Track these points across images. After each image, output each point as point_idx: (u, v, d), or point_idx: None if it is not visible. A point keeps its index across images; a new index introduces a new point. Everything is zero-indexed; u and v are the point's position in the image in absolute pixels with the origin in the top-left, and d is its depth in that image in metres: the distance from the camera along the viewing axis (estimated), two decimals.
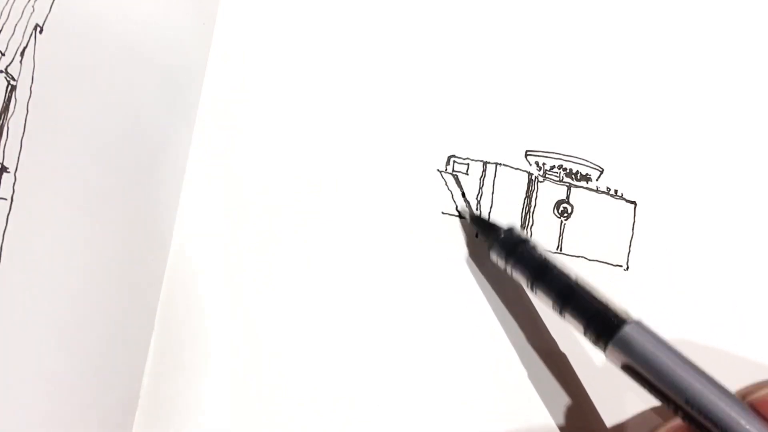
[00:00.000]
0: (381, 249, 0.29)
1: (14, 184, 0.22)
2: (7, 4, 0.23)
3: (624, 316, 0.24)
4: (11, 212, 0.21)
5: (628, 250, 0.31)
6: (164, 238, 0.27)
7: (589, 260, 0.30)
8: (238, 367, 0.27)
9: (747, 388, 0.23)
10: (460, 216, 0.29)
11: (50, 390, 0.23)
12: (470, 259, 0.29)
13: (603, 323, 0.25)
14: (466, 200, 0.30)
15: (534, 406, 0.28)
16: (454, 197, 0.30)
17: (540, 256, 0.27)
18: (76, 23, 0.24)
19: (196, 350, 0.27)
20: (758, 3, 0.34)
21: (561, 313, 0.26)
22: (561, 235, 0.30)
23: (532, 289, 0.27)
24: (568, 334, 0.26)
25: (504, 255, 0.27)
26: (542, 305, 0.28)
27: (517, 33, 0.32)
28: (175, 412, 0.26)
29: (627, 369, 0.24)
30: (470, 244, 0.29)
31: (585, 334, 0.25)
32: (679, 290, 0.31)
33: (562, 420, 0.28)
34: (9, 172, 0.22)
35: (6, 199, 0.21)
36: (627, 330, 0.24)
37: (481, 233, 0.29)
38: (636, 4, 0.33)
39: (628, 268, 0.31)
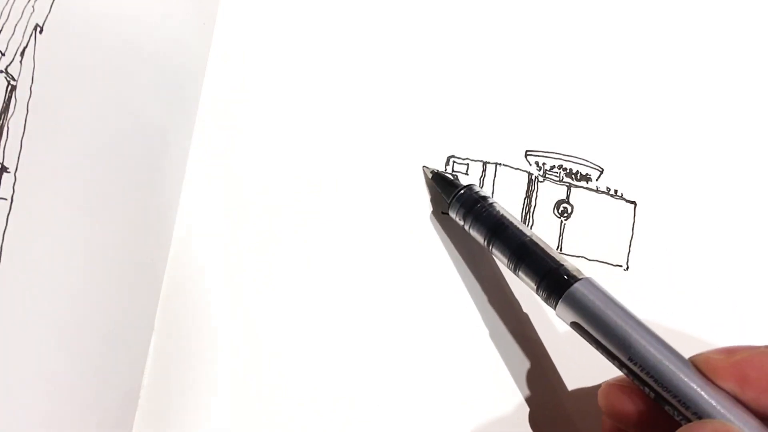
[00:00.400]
0: (381, 249, 0.29)
1: (14, 184, 0.22)
2: (7, 4, 0.23)
3: (575, 273, 0.25)
4: (11, 212, 0.21)
5: (628, 250, 0.31)
6: (164, 238, 0.27)
7: (589, 260, 0.30)
8: (238, 366, 0.27)
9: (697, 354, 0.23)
10: (425, 173, 0.29)
11: (50, 390, 0.23)
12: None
13: (554, 281, 0.25)
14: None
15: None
16: None
17: (497, 213, 0.27)
18: (76, 23, 0.24)
19: (196, 350, 0.27)
20: (758, 3, 0.34)
21: (515, 271, 0.26)
22: (561, 235, 0.30)
23: (488, 246, 0.27)
24: (531, 294, 0.27)
25: (462, 212, 0.27)
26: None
27: (517, 33, 0.32)
28: (175, 412, 0.26)
29: (575, 326, 0.24)
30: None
31: (537, 291, 0.25)
32: (679, 290, 0.31)
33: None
34: (9, 172, 0.22)
35: (6, 199, 0.21)
36: (576, 287, 0.24)
37: (441, 190, 0.29)
38: (636, 5, 0.33)
39: (628, 268, 0.31)
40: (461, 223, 0.28)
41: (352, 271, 0.28)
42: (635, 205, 0.31)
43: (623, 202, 0.31)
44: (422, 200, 0.29)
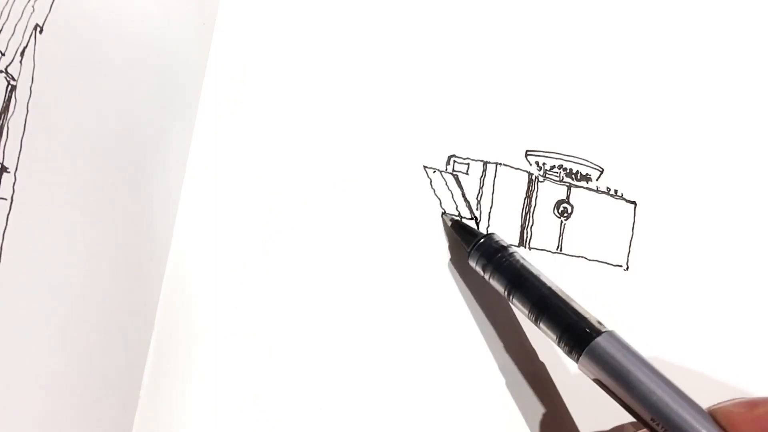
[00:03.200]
0: (381, 249, 0.29)
1: (14, 184, 0.22)
2: (7, 4, 0.23)
3: (597, 328, 0.25)
4: (11, 212, 0.21)
5: (628, 250, 0.31)
6: (164, 238, 0.27)
7: (589, 260, 0.30)
8: (238, 366, 0.27)
9: (715, 404, 0.23)
10: (443, 220, 0.29)
11: (50, 390, 0.23)
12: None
13: (576, 335, 0.25)
14: (464, 200, 0.30)
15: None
16: (454, 197, 0.30)
17: (518, 263, 0.27)
18: (76, 23, 0.24)
19: (196, 350, 0.27)
20: (758, 3, 0.34)
21: (536, 323, 0.26)
22: (561, 235, 0.30)
23: (508, 297, 0.27)
24: (548, 343, 0.26)
25: (482, 263, 0.27)
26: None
27: (518, 33, 0.32)
28: (175, 412, 0.26)
29: (598, 382, 0.24)
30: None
31: (558, 344, 0.25)
32: (679, 290, 0.31)
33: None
34: (9, 172, 0.22)
35: (6, 199, 0.21)
36: (597, 342, 0.24)
37: (461, 240, 0.28)
38: (636, 5, 0.33)
39: (628, 268, 0.31)
40: (481, 273, 0.27)
41: (352, 271, 0.28)
42: (635, 205, 0.31)
43: (623, 202, 0.31)
44: (423, 200, 0.29)
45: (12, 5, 0.23)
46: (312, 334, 0.27)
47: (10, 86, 0.22)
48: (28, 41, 0.23)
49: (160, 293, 0.27)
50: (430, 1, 0.31)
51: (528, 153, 0.31)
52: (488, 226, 0.30)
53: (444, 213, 0.29)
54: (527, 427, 0.28)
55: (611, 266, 0.30)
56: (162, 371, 0.26)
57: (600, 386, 0.24)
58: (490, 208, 0.30)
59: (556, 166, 0.31)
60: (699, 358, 0.30)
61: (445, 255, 0.29)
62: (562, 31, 0.32)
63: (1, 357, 0.21)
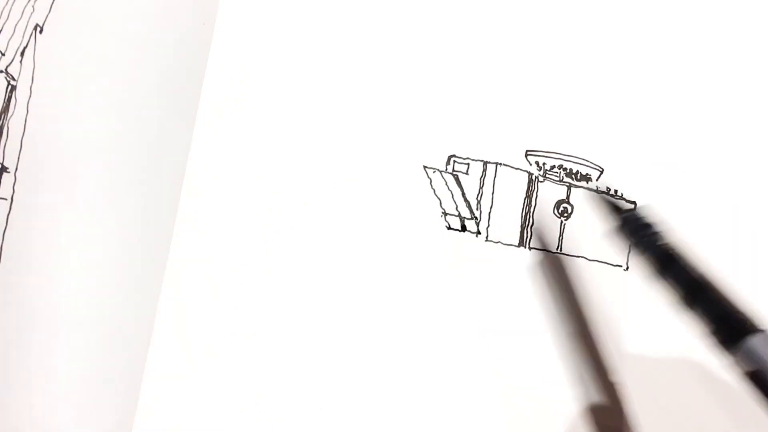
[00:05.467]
0: (381, 249, 0.29)
1: (14, 184, 0.22)
2: (7, 4, 0.23)
3: (754, 321, 0.23)
4: (11, 212, 0.21)
5: (628, 250, 0.31)
6: (164, 238, 0.27)
7: (589, 260, 0.30)
8: (237, 366, 0.27)
9: None
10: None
11: (50, 390, 0.23)
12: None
13: (733, 327, 0.23)
14: (465, 201, 0.30)
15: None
16: (454, 197, 0.30)
17: (666, 243, 0.24)
18: (76, 23, 0.24)
19: (196, 350, 0.27)
20: (758, 3, 0.34)
21: (689, 308, 0.24)
22: (561, 235, 0.30)
23: (659, 277, 0.24)
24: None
25: (629, 239, 0.25)
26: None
27: (517, 33, 0.32)
28: (175, 412, 0.26)
29: (753, 376, 0.22)
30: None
31: (712, 335, 0.23)
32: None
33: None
34: (9, 172, 0.22)
35: (6, 199, 0.21)
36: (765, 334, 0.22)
37: (607, 212, 0.26)
38: (636, 5, 0.33)
39: (628, 268, 0.31)
40: (627, 247, 0.26)
41: (353, 271, 0.28)
42: (635, 205, 0.31)
43: (623, 202, 0.31)
44: (423, 200, 0.29)
45: (12, 5, 0.23)
46: (312, 334, 0.27)
47: (10, 86, 0.22)
48: (28, 41, 0.23)
49: (160, 293, 0.27)
50: (430, 2, 0.31)
51: (528, 153, 0.31)
52: (488, 226, 0.30)
53: (597, 188, 0.28)
54: (527, 427, 0.28)
55: (611, 266, 0.30)
56: (162, 371, 0.26)
57: (754, 381, 0.22)
58: (490, 208, 0.30)
59: (556, 166, 0.31)
60: (699, 358, 0.30)
61: (445, 255, 0.29)
62: (562, 31, 0.32)
63: (1, 357, 0.21)
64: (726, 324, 0.23)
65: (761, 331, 0.22)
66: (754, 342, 0.22)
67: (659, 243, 0.24)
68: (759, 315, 0.23)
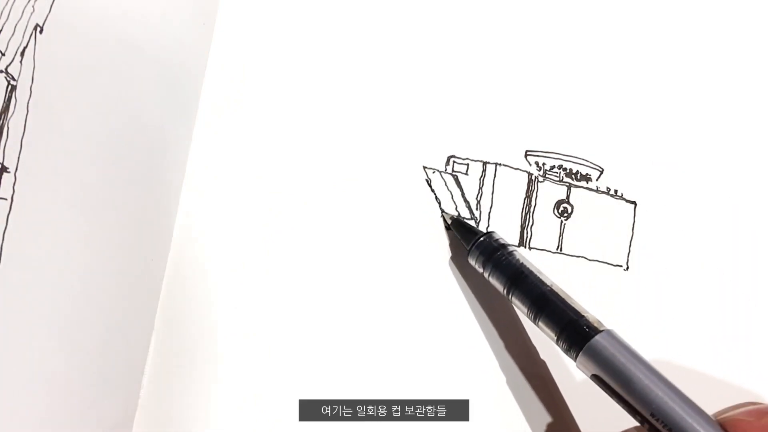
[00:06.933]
0: (381, 249, 0.29)
1: (14, 184, 0.22)
2: (7, 4, 0.23)
3: (596, 326, 0.25)
4: (11, 212, 0.21)
5: (628, 250, 0.31)
6: (164, 238, 0.27)
7: (589, 260, 0.30)
8: (238, 366, 0.27)
9: (722, 410, 0.23)
10: (443, 219, 0.29)
11: (50, 390, 0.23)
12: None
13: (574, 333, 0.25)
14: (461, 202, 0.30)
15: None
16: (453, 197, 0.30)
17: (517, 262, 0.27)
18: (76, 23, 0.24)
19: (196, 350, 0.27)
20: (758, 3, 0.34)
21: (535, 321, 0.26)
22: (561, 235, 0.30)
23: (507, 295, 0.27)
24: (549, 342, 0.26)
25: (481, 261, 0.27)
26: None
27: (517, 33, 0.32)
28: (175, 412, 0.26)
29: (596, 379, 0.24)
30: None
31: (557, 342, 0.25)
32: (679, 290, 0.31)
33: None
34: (9, 172, 0.22)
35: (6, 199, 0.21)
36: (596, 339, 0.24)
37: (460, 237, 0.28)
38: (636, 5, 0.33)
39: (628, 268, 0.31)
40: (480, 270, 0.27)
41: (353, 271, 0.28)
42: (635, 205, 0.31)
43: (623, 202, 0.31)
44: (423, 200, 0.29)
45: (12, 5, 0.23)
46: (312, 334, 0.27)
47: (10, 86, 0.22)
48: (28, 41, 0.23)
49: (160, 293, 0.27)
50: (430, 2, 0.31)
51: (528, 153, 0.31)
52: (488, 226, 0.30)
53: (443, 212, 0.29)
54: (527, 426, 0.28)
55: (611, 266, 0.30)
56: (162, 371, 0.26)
57: (597, 382, 0.24)
58: (490, 208, 0.30)
59: (556, 166, 0.31)
60: (699, 358, 0.30)
61: (445, 255, 0.29)
62: (562, 31, 0.32)
63: (1, 357, 0.21)
64: (569, 329, 0.25)
65: (602, 331, 0.24)
66: (598, 339, 0.24)
67: (509, 263, 0.27)
68: (597, 321, 0.25)
